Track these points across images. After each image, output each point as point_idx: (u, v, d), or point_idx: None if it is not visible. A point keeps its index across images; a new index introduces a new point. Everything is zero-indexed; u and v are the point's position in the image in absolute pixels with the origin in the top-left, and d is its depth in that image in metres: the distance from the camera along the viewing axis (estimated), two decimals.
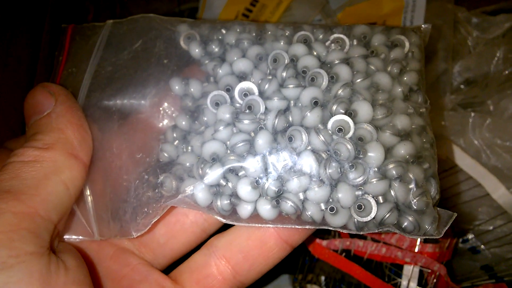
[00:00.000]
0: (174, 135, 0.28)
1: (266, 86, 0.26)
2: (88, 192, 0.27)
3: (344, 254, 0.38)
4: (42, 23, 0.55)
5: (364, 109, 0.25)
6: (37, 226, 0.21)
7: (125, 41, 0.29)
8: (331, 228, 0.25)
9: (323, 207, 0.25)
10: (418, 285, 0.38)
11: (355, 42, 0.29)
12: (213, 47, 0.29)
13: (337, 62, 0.27)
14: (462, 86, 0.46)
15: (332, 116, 0.25)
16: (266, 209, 0.25)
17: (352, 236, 0.41)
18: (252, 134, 0.26)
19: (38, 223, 0.21)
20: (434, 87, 0.46)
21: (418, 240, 0.39)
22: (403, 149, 0.25)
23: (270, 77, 0.27)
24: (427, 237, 0.25)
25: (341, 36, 0.28)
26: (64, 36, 0.30)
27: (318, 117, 0.25)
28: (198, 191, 0.25)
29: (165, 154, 0.28)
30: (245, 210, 0.25)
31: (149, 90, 0.29)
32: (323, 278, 0.44)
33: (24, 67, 0.52)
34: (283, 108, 0.26)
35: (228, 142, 0.26)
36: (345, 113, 0.25)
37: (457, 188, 0.43)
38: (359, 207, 0.24)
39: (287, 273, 0.48)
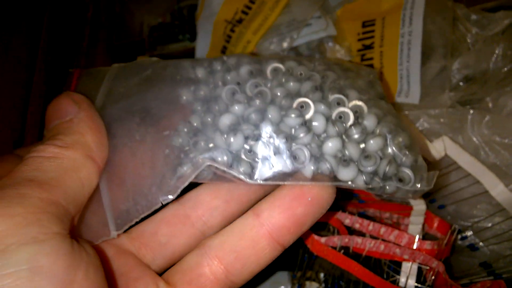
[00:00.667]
0: (185, 130, 0.29)
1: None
2: (103, 186, 0.28)
3: (342, 251, 0.38)
4: (41, 22, 0.55)
5: (352, 93, 0.29)
6: (60, 212, 0.22)
7: (133, 72, 0.32)
8: (342, 185, 0.27)
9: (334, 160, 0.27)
10: (417, 282, 0.39)
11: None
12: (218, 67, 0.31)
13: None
14: (461, 83, 0.46)
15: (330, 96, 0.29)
16: (286, 162, 0.27)
17: (350, 233, 0.41)
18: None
19: (61, 210, 0.22)
20: (433, 84, 0.45)
21: (417, 237, 0.39)
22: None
23: None
24: (420, 191, 0.28)
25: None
26: (70, 78, 0.32)
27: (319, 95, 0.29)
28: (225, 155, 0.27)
29: (180, 140, 0.29)
30: (266, 167, 0.27)
31: (165, 100, 0.30)
32: (322, 275, 0.45)
33: (23, 65, 0.52)
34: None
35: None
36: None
37: (456, 185, 0.43)
38: (366, 157, 0.27)
39: (285, 270, 0.48)
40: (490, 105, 0.42)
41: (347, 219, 0.42)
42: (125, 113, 0.30)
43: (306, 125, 0.28)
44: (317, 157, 0.27)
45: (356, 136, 0.27)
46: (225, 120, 0.28)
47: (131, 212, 0.27)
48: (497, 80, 0.43)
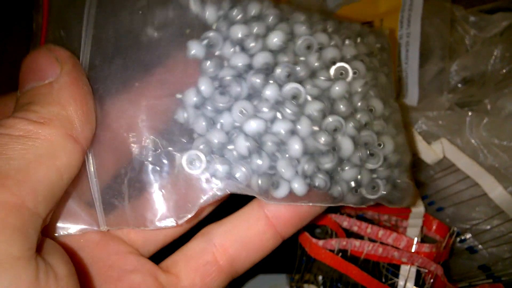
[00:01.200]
0: (194, 98, 0.25)
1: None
2: (92, 169, 0.24)
3: (340, 254, 0.38)
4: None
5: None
6: (25, 222, 0.18)
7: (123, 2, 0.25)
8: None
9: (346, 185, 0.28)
10: (415, 285, 0.38)
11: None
12: (234, 13, 0.26)
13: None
14: (459, 85, 0.46)
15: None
16: (301, 184, 0.26)
17: (348, 236, 0.41)
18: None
19: (25, 218, 0.18)
20: (431, 86, 0.45)
21: (415, 240, 0.38)
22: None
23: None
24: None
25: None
26: None
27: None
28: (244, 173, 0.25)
29: (185, 115, 0.25)
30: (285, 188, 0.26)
31: (162, 56, 0.25)
32: (320, 277, 0.44)
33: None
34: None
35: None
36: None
37: (455, 188, 0.43)
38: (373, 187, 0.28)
39: (284, 272, 0.48)
40: (488, 107, 0.42)
41: (345, 222, 0.42)
42: (119, 72, 0.24)
43: (335, 150, 0.27)
44: (334, 182, 0.27)
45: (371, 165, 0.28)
46: (243, 144, 0.25)
47: (129, 214, 0.25)
48: (496, 82, 0.43)
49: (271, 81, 0.25)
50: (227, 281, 0.28)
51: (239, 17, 0.26)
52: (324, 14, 0.29)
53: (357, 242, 0.39)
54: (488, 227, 0.42)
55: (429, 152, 0.42)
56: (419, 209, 0.42)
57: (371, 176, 0.28)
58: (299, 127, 0.26)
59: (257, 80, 0.25)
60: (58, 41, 0.24)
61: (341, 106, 0.27)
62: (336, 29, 0.29)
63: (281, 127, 0.25)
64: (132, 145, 0.24)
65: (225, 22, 0.26)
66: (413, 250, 0.38)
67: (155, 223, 0.24)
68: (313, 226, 0.45)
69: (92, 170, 0.24)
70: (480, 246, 0.43)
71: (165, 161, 0.24)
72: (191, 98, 0.25)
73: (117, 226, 0.25)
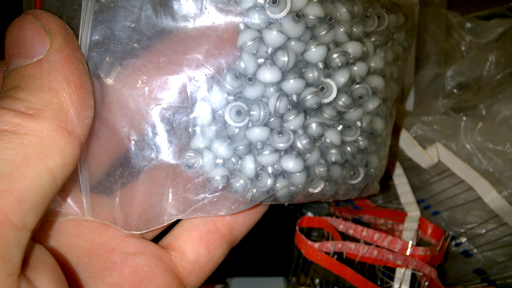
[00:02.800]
0: (228, 78, 0.23)
1: None
2: (83, 163, 0.22)
3: (336, 256, 0.39)
4: None
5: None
6: (7, 243, 0.15)
7: None
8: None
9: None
10: None
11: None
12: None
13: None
14: (455, 91, 0.47)
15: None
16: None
17: (344, 239, 0.41)
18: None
19: (7, 238, 0.15)
20: (427, 91, 0.46)
21: (410, 243, 0.39)
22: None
23: None
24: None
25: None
26: None
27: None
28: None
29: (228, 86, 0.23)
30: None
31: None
32: (317, 280, 0.45)
33: None
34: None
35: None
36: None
37: (450, 192, 0.44)
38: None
39: (280, 275, 0.48)
40: (483, 112, 0.43)
41: (341, 225, 0.42)
42: (126, 50, 0.21)
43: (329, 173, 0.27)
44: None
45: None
46: (249, 166, 0.25)
47: (117, 211, 0.24)
48: (491, 88, 0.44)
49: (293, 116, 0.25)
50: (228, 249, 0.28)
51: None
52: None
53: (352, 245, 0.39)
54: (483, 231, 0.43)
55: (425, 157, 0.43)
56: (414, 213, 0.43)
57: (348, 187, 0.30)
58: (310, 159, 0.26)
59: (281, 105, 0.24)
60: (55, 3, 0.21)
61: (348, 133, 0.27)
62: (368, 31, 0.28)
63: (292, 165, 0.25)
64: (132, 145, 0.23)
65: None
66: (407, 253, 0.38)
67: (142, 229, 0.24)
68: (309, 229, 0.45)
69: (83, 164, 0.22)
70: (475, 250, 0.44)
71: (162, 164, 0.24)
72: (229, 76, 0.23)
73: (102, 220, 0.24)
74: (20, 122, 0.16)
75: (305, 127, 0.26)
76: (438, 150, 0.42)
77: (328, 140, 0.27)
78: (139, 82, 0.22)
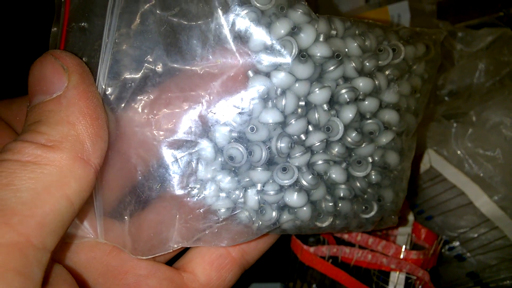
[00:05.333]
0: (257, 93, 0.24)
1: None
2: (97, 190, 0.24)
3: (331, 260, 0.39)
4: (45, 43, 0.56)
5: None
6: (28, 263, 0.17)
7: None
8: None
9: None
10: None
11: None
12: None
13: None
14: (446, 98, 0.48)
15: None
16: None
17: (339, 243, 0.42)
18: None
19: (30, 258, 0.17)
20: None
21: (403, 247, 0.40)
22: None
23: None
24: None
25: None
26: None
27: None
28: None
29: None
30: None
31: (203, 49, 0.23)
32: (314, 286, 0.45)
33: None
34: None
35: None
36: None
37: (443, 197, 0.45)
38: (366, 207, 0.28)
39: (278, 281, 0.49)
40: (473, 118, 0.44)
41: None
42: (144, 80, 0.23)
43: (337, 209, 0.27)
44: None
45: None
46: (252, 199, 0.25)
47: (127, 236, 0.25)
48: (480, 95, 0.45)
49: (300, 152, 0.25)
50: (239, 272, 0.28)
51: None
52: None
53: (347, 249, 0.40)
54: (475, 235, 0.44)
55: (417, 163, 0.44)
56: (408, 218, 0.43)
57: (361, 221, 0.29)
58: (315, 194, 0.26)
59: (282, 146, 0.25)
60: (80, 34, 0.23)
61: (358, 168, 0.27)
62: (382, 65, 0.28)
63: (296, 200, 0.25)
64: (138, 175, 0.24)
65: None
66: (401, 257, 0.39)
67: (148, 255, 0.25)
68: (306, 235, 0.46)
69: (98, 190, 0.24)
70: (468, 254, 0.44)
71: (166, 195, 0.24)
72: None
73: (114, 243, 0.25)
74: (41, 153, 0.18)
75: (311, 164, 0.26)
76: (430, 156, 0.43)
77: (333, 176, 0.26)
78: (147, 116, 0.23)
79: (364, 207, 0.28)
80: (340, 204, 0.27)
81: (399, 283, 0.40)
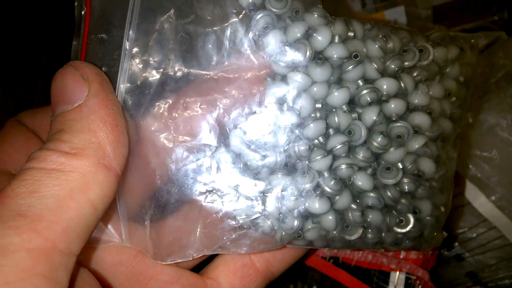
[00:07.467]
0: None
1: None
2: (120, 196, 0.24)
3: (332, 260, 0.40)
4: (41, 51, 0.57)
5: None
6: (55, 267, 0.17)
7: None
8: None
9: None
10: None
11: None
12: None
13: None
14: None
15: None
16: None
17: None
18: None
19: (56, 263, 0.17)
20: None
21: None
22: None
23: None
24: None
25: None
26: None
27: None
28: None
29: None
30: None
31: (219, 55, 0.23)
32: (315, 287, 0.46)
33: (23, 87, 0.54)
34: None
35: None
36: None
37: None
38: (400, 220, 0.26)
39: (278, 283, 0.49)
40: (470, 120, 0.44)
41: None
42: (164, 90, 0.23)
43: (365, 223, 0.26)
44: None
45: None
46: (273, 205, 0.24)
47: (152, 241, 0.25)
48: (477, 97, 0.46)
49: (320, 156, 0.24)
50: (264, 283, 0.28)
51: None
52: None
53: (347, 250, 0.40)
54: (474, 235, 0.44)
55: None
56: None
57: (397, 236, 0.27)
58: (340, 202, 0.25)
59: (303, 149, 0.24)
60: (100, 45, 0.23)
61: (387, 175, 0.26)
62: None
63: (318, 206, 0.25)
64: (157, 179, 0.24)
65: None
66: (401, 256, 0.40)
67: (167, 260, 0.25)
68: None
69: (120, 195, 0.24)
70: (467, 254, 0.45)
71: (184, 200, 0.25)
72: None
73: (138, 247, 0.25)
74: (65, 161, 0.19)
75: (334, 169, 0.25)
76: None
77: (358, 183, 0.25)
78: (166, 121, 0.24)
79: (398, 220, 0.26)
80: (369, 215, 0.26)
81: (399, 283, 0.40)
